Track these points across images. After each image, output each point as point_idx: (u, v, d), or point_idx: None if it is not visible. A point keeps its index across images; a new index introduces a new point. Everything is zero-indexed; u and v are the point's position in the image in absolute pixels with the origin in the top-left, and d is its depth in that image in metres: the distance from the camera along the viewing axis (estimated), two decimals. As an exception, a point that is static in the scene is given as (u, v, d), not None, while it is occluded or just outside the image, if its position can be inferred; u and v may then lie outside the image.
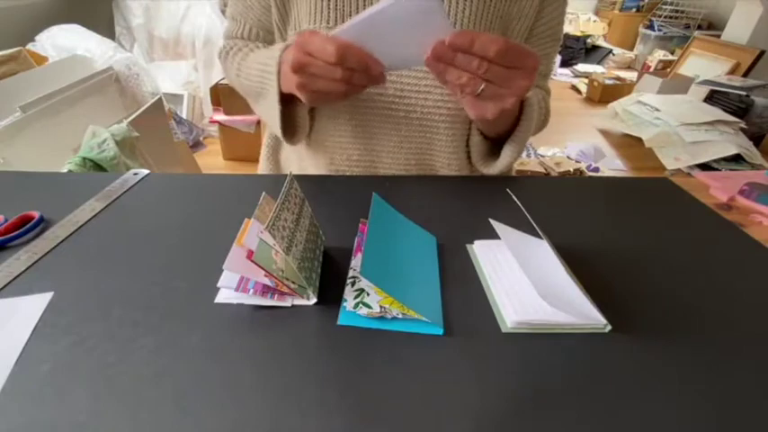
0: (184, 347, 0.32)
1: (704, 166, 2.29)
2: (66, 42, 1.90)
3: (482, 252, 0.43)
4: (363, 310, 0.35)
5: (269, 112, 0.56)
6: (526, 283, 0.37)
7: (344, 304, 0.36)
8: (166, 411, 0.28)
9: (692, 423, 0.28)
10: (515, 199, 0.42)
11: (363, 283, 0.38)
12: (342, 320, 0.35)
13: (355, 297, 0.36)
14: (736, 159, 2.32)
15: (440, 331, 0.34)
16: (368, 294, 0.36)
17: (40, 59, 1.70)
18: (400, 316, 0.35)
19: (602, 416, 0.28)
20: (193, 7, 2.43)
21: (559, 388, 0.30)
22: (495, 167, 0.60)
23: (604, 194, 0.58)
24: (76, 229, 0.46)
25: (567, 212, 0.52)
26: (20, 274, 0.39)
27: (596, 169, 2.35)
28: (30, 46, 1.79)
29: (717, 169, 2.28)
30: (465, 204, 0.54)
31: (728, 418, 0.28)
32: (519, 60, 0.42)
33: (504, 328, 0.35)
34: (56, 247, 0.43)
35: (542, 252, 0.40)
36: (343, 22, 0.55)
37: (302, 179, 0.59)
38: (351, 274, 0.40)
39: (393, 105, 0.59)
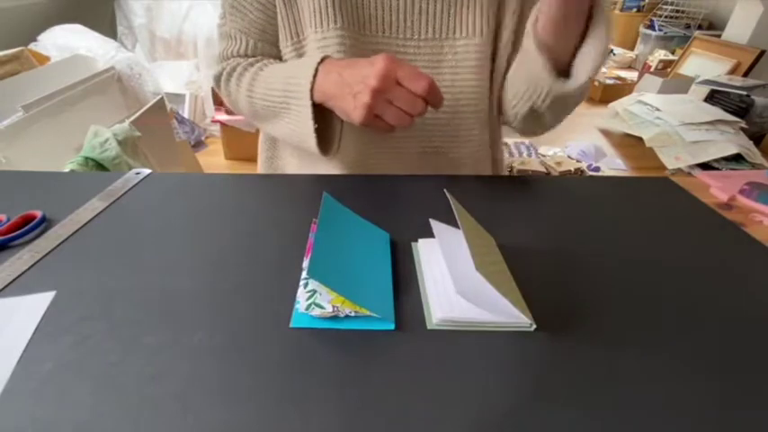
0: (186, 347, 0.32)
1: (705, 166, 2.29)
2: (68, 42, 1.90)
3: (423, 249, 0.44)
4: (316, 311, 0.35)
5: (295, 129, 0.53)
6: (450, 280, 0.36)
7: (297, 306, 0.36)
8: (168, 410, 0.28)
9: (695, 423, 0.28)
10: (450, 198, 0.40)
11: (315, 283, 0.37)
12: (294, 323, 0.34)
13: (308, 298, 0.36)
14: (737, 159, 2.31)
15: (391, 326, 0.34)
16: (320, 294, 0.36)
17: (42, 59, 1.70)
18: (353, 314, 0.35)
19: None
20: (195, 7, 2.43)
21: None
22: (577, 80, 0.48)
23: (605, 194, 0.58)
24: (78, 229, 0.46)
25: (567, 212, 0.53)
26: (22, 273, 0.39)
27: (597, 169, 2.35)
28: (32, 46, 1.80)
29: (717, 169, 2.28)
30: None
31: (730, 418, 0.29)
32: None
33: (429, 324, 0.35)
34: (58, 246, 0.43)
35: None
36: (350, 23, 0.53)
37: (302, 179, 0.59)
38: (303, 275, 0.39)
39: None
